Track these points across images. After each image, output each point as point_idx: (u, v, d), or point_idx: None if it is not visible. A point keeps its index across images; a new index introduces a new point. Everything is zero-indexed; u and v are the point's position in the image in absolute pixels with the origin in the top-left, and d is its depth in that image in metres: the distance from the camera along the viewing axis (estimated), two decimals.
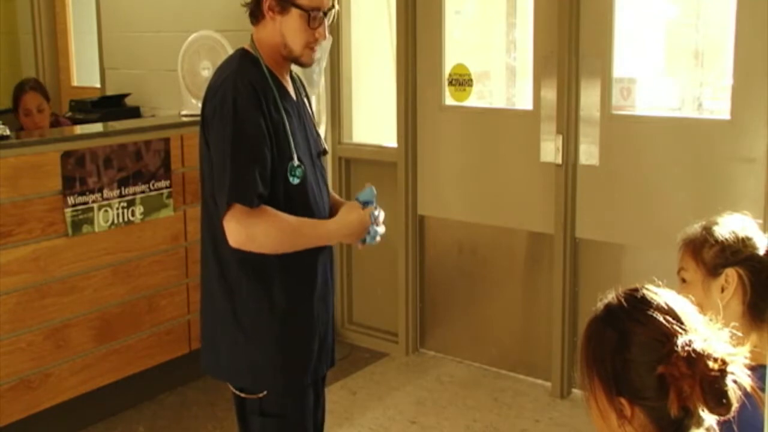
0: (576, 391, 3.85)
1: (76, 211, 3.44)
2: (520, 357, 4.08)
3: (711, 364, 1.21)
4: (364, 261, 4.53)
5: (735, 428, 1.28)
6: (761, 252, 1.72)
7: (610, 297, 1.34)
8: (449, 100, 4.12)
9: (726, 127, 3.37)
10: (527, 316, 4.05)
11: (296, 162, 2.17)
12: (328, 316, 2.33)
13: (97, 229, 3.53)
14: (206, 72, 4.13)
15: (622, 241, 3.70)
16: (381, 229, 2.30)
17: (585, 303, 3.79)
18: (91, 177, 3.49)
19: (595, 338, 1.32)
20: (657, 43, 3.95)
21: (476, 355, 4.21)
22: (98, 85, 5.34)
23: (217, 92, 2.14)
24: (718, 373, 1.21)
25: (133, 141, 3.67)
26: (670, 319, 1.26)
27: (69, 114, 4.90)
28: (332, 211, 2.32)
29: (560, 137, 3.72)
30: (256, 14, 2.21)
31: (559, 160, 3.74)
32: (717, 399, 1.21)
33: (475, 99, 4.10)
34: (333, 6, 2.23)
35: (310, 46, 2.20)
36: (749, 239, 1.73)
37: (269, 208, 2.11)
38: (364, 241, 2.28)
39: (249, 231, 2.09)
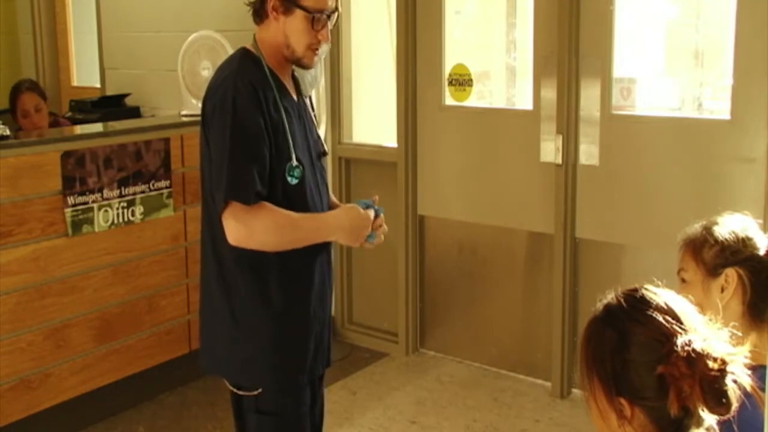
0: (576, 391, 3.85)
1: (76, 211, 3.44)
2: (520, 357, 4.08)
3: (711, 363, 1.21)
4: (364, 261, 4.53)
5: (735, 428, 1.28)
6: (761, 252, 1.72)
7: (610, 297, 1.34)
8: (449, 100, 4.11)
9: (726, 127, 3.37)
10: (527, 316, 4.05)
11: (295, 162, 2.16)
12: (325, 315, 2.34)
13: (97, 229, 3.53)
14: (206, 72, 4.13)
15: (622, 241, 3.70)
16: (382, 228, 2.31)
17: (585, 303, 3.79)
18: (91, 177, 3.49)
19: (595, 338, 1.32)
20: (657, 43, 3.95)
21: (476, 355, 4.21)
22: (98, 85, 5.34)
23: (217, 91, 2.15)
24: (717, 373, 1.20)
25: (133, 141, 3.67)
26: (670, 319, 1.26)
27: (69, 114, 4.89)
28: None
29: (560, 137, 3.72)
30: (259, 14, 2.21)
31: (559, 160, 3.74)
32: (717, 399, 1.21)
33: (475, 99, 4.10)
34: (336, 9, 2.23)
35: (313, 48, 2.20)
36: (749, 239, 1.73)
37: (267, 204, 2.11)
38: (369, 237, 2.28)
39: (248, 227, 2.09)
